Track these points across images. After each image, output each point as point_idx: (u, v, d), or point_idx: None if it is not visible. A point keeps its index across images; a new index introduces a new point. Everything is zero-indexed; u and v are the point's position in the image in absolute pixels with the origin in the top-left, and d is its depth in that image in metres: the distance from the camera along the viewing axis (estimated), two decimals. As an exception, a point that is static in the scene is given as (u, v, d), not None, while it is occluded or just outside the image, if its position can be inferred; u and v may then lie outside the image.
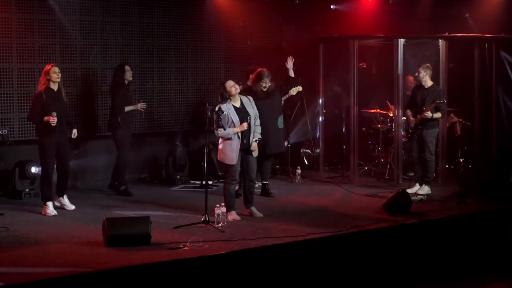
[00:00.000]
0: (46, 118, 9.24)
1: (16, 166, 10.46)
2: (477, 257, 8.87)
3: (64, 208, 9.61)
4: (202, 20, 12.56)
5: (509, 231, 9.40)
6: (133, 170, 12.04)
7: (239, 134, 9.06)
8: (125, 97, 10.78)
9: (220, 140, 9.12)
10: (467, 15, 13.15)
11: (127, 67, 10.85)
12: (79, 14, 11.32)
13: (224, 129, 8.88)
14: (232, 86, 9.15)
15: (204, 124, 9.14)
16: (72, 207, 9.67)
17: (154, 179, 12.11)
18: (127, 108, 10.75)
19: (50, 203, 9.42)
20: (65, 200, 9.69)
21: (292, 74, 10.83)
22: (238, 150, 9.07)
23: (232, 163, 9.06)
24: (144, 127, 12.13)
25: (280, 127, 10.54)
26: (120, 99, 10.70)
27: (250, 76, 10.60)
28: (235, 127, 9.00)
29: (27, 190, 10.43)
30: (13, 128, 10.78)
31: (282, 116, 10.66)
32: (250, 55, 12.97)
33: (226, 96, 9.12)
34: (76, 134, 9.82)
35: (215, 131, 8.97)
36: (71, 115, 10.44)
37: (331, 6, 13.59)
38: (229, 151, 9.05)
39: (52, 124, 9.23)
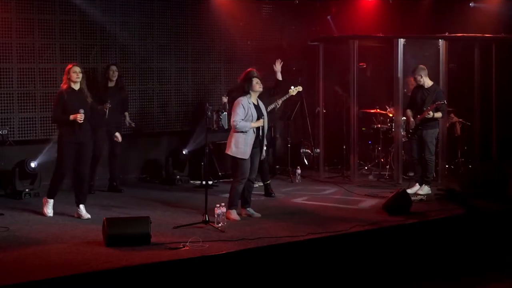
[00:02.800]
0: (72, 116, 8.93)
1: (16, 166, 10.47)
2: (477, 257, 8.86)
3: (80, 217, 9.18)
4: (202, 20, 12.57)
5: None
6: (133, 170, 12.07)
7: (255, 130, 9.05)
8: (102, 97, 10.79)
9: (232, 134, 9.03)
10: (471, 4, 13.15)
11: (112, 67, 10.93)
12: (79, 14, 11.33)
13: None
14: (258, 83, 9.13)
15: (204, 124, 9.14)
16: (88, 216, 9.20)
17: (154, 179, 12.11)
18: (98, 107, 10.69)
19: (51, 201, 9.28)
20: (82, 210, 9.22)
21: (280, 77, 10.82)
22: (252, 146, 9.05)
23: (245, 158, 8.97)
24: (144, 127, 12.13)
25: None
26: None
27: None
28: (252, 121, 9.00)
29: (27, 190, 10.43)
30: (13, 128, 10.79)
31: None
32: (250, 55, 12.98)
33: (248, 90, 9.08)
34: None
35: (233, 122, 8.91)
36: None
37: (328, 17, 13.62)
38: (243, 145, 8.97)
39: (79, 121, 8.92)
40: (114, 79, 10.98)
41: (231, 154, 9.05)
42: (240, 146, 8.98)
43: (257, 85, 9.12)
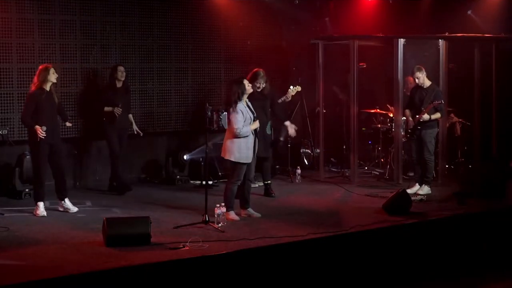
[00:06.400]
0: (37, 127, 9.17)
1: (16, 166, 10.47)
2: (477, 257, 8.87)
3: (68, 212, 9.48)
4: (202, 20, 12.56)
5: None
6: (133, 170, 12.06)
7: (252, 131, 9.03)
8: (110, 98, 10.79)
9: (232, 140, 8.94)
10: (469, 11, 13.16)
11: (120, 68, 10.90)
12: (79, 14, 11.33)
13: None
14: (249, 85, 9.12)
15: (204, 124, 9.14)
16: (75, 209, 9.53)
17: (154, 179, 12.10)
18: (106, 109, 10.75)
19: (41, 204, 9.36)
20: (67, 203, 9.55)
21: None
22: (252, 148, 9.03)
23: (248, 162, 8.98)
24: (144, 127, 12.12)
25: (268, 132, 10.45)
26: (102, 100, 10.85)
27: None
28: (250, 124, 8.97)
29: (27, 190, 10.41)
30: (13, 128, 10.78)
31: (271, 122, 10.54)
32: (250, 55, 12.98)
33: (244, 95, 9.01)
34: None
35: (235, 129, 8.78)
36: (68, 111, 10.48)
37: (326, 19, 13.63)
38: (246, 149, 8.93)
39: (40, 136, 9.15)
40: (123, 79, 10.95)
41: (234, 160, 8.96)
42: (243, 151, 8.94)
43: (249, 87, 9.08)
